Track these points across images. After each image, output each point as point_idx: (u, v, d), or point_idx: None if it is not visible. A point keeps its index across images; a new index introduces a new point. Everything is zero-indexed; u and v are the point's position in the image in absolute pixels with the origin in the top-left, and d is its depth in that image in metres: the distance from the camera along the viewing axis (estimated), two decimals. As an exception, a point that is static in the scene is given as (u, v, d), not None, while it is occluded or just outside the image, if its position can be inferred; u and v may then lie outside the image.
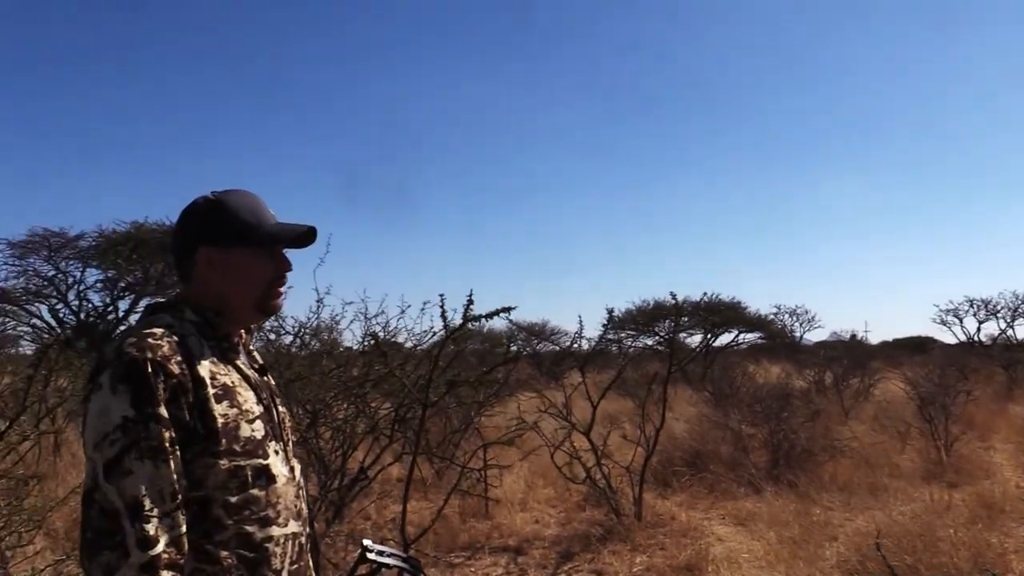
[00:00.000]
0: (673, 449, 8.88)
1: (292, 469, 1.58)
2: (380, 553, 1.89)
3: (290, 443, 1.63)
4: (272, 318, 4.03)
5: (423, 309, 6.06)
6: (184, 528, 1.34)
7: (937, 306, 27.21)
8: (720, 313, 22.91)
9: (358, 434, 5.68)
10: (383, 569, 1.83)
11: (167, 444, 1.34)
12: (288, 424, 1.66)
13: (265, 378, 1.65)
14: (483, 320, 3.71)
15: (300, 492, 1.60)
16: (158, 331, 1.43)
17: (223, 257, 1.56)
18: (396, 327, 5.96)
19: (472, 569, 5.56)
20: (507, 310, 3.60)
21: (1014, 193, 57.67)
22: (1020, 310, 25.01)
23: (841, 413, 12.53)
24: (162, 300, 1.58)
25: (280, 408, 1.64)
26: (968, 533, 5.59)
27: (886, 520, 6.07)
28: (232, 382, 1.50)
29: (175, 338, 1.44)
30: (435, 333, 5.93)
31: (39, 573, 3.29)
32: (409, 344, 6.19)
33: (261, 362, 1.68)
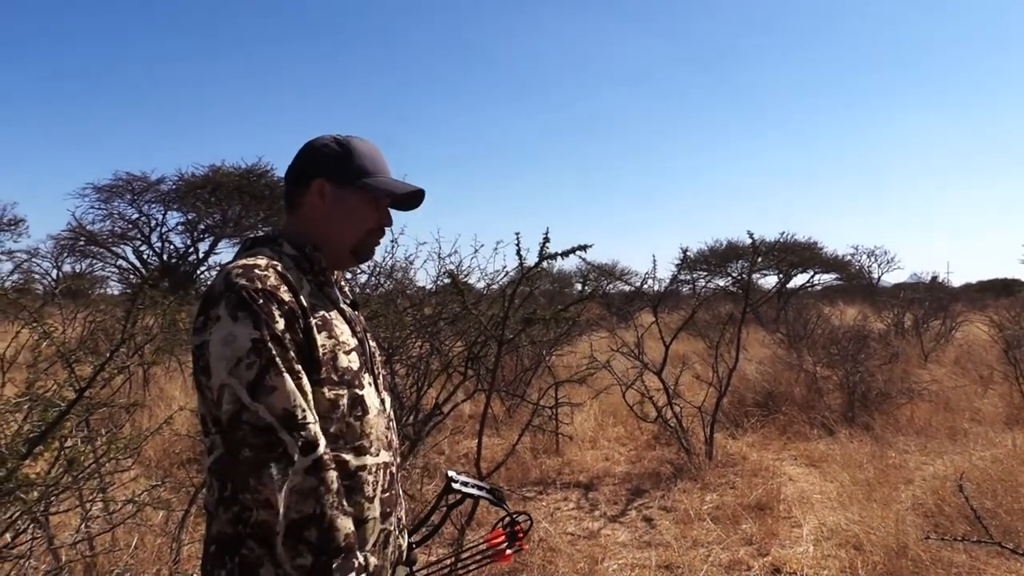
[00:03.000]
0: (745, 390, 8.83)
1: (383, 401, 1.63)
2: (465, 484, 1.95)
3: (380, 376, 1.68)
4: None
5: (496, 248, 6.08)
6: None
7: (1025, 246, 26.12)
8: (796, 253, 22.48)
9: (432, 371, 5.80)
10: (465, 499, 1.88)
11: (294, 363, 1.41)
12: (379, 358, 1.70)
13: (357, 313, 1.70)
14: (559, 258, 3.71)
15: (391, 423, 1.65)
16: (261, 262, 1.47)
17: (336, 193, 1.61)
18: (469, 267, 6.01)
19: (544, 503, 5.68)
20: (583, 248, 3.59)
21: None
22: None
23: (920, 356, 12.24)
24: (260, 235, 1.62)
25: (371, 342, 1.69)
26: (1053, 479, 5.47)
27: (965, 464, 5.96)
28: (328, 315, 1.54)
29: (278, 268, 1.49)
30: (507, 273, 5.96)
31: (137, 496, 3.48)
32: (481, 284, 6.24)
33: (352, 297, 1.72)
